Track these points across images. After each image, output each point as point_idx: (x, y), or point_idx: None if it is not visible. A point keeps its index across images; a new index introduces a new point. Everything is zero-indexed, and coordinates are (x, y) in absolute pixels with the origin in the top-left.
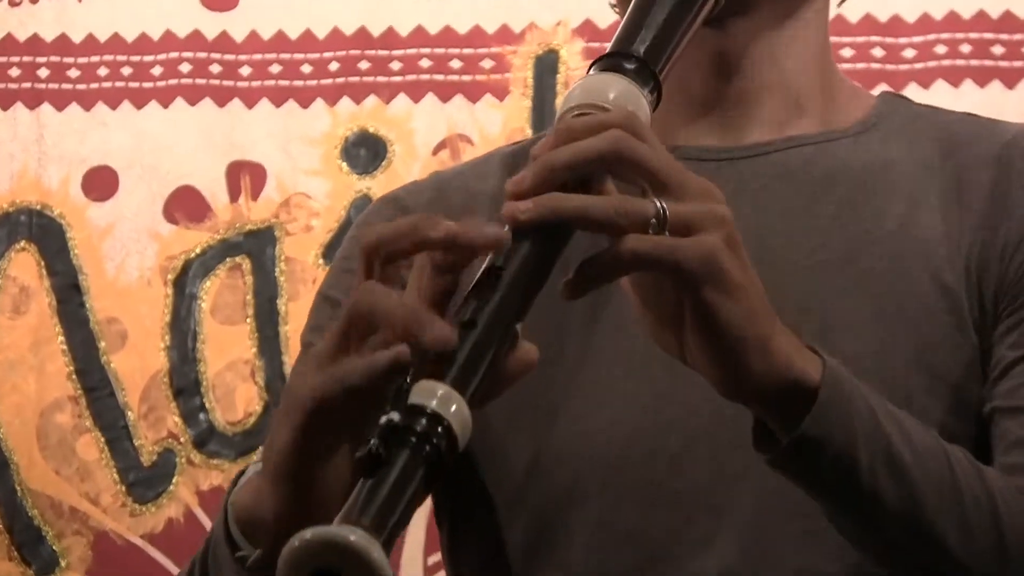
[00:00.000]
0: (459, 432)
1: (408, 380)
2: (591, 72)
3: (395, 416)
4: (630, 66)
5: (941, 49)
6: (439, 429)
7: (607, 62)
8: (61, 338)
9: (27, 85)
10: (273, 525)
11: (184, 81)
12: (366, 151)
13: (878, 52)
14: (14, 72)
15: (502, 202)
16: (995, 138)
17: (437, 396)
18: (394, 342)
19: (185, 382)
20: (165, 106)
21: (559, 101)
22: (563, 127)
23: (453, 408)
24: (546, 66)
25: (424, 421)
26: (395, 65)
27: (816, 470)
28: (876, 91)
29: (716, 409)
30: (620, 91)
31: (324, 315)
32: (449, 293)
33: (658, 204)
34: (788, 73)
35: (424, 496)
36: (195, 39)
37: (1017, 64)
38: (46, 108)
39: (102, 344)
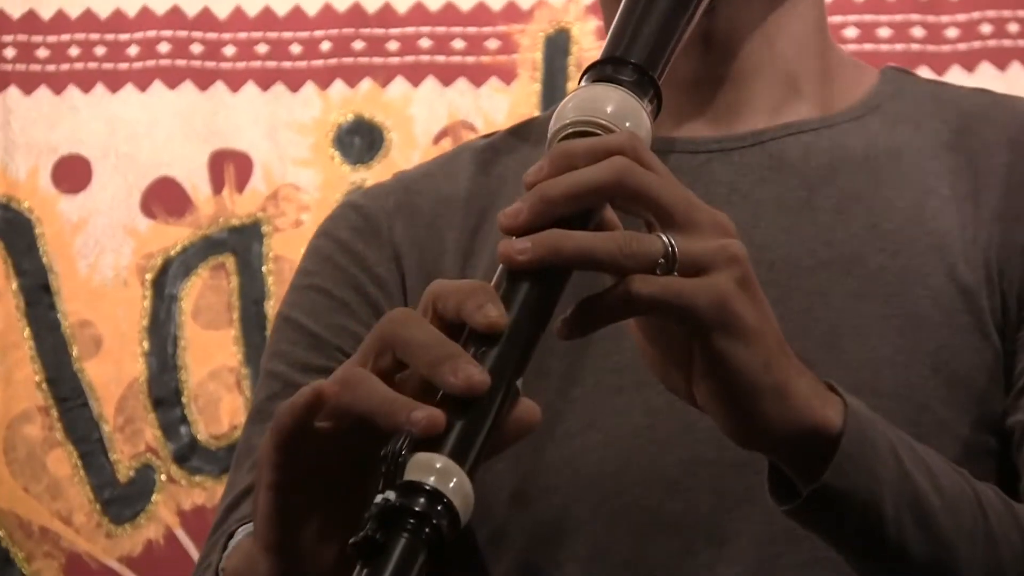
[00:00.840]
0: (460, 508)
1: (403, 449)
2: (583, 83)
3: (391, 496)
4: (627, 76)
5: (987, 28)
6: (439, 508)
7: (601, 71)
8: (29, 343)
9: None
10: None
11: (163, 62)
12: (361, 139)
13: (918, 32)
14: None
15: (475, 204)
16: (1010, 116)
17: (435, 470)
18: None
19: (165, 392)
20: (142, 90)
21: (571, 85)
22: (560, 152)
23: (453, 483)
24: (557, 46)
25: (423, 500)
26: (392, 45)
27: (838, 522)
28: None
29: (715, 427)
30: (618, 105)
31: (284, 339)
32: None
33: (666, 241)
34: (783, 52)
35: None
36: (174, 16)
37: None
38: (12, 91)
39: (74, 350)
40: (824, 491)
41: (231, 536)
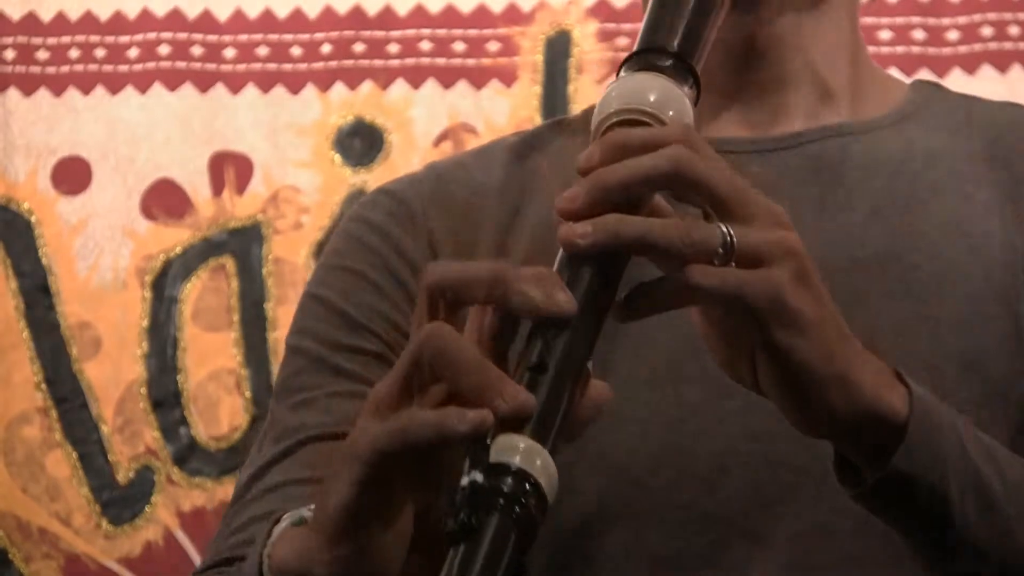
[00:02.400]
0: (547, 488)
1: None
2: (623, 73)
3: (478, 477)
4: (666, 63)
5: (988, 31)
6: (527, 487)
7: (640, 60)
8: (28, 345)
9: None
10: None
11: (163, 64)
12: (361, 142)
13: (919, 34)
14: None
15: (509, 195)
16: None
17: (520, 451)
18: (463, 396)
19: (164, 393)
20: (142, 92)
21: (572, 87)
22: (616, 141)
23: (538, 462)
24: (558, 49)
25: (510, 480)
26: (393, 48)
27: (905, 507)
28: (917, 77)
29: (749, 423)
30: (661, 92)
31: (313, 316)
32: (513, 330)
33: (724, 231)
34: (817, 60)
35: (518, 560)
36: (175, 18)
37: None
38: (12, 93)
39: (73, 351)
40: (892, 476)
41: (277, 522)
